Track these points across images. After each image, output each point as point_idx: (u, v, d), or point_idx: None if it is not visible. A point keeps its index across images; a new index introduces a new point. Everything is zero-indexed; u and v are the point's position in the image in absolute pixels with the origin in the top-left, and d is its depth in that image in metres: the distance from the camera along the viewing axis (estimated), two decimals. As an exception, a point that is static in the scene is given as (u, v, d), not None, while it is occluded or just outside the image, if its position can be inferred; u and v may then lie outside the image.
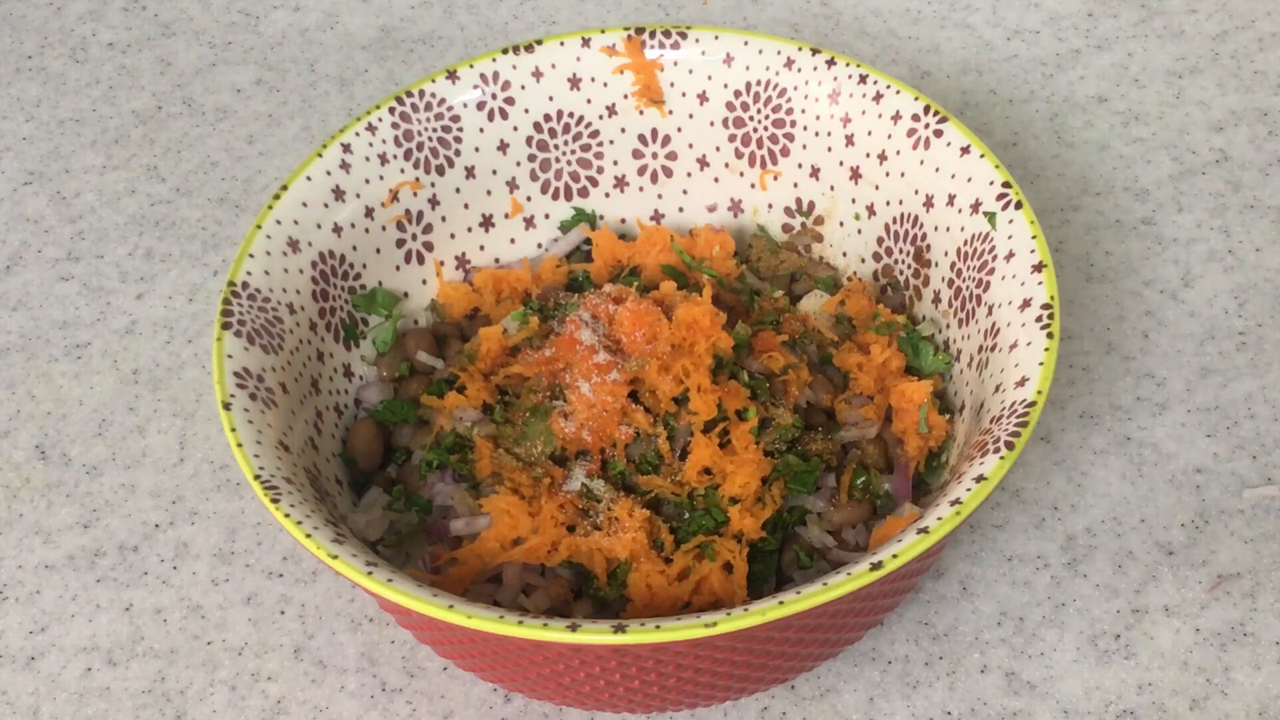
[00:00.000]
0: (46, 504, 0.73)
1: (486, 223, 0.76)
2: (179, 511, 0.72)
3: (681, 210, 0.78)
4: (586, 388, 0.64)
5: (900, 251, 0.72)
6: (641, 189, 0.77)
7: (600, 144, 0.76)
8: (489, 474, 0.65)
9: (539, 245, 0.77)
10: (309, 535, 0.55)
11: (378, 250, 0.72)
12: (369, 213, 0.71)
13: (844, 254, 0.75)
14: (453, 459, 0.66)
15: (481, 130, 0.74)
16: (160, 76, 0.93)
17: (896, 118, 0.70)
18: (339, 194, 0.70)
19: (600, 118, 0.75)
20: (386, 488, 0.67)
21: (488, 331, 0.69)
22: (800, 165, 0.74)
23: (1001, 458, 0.56)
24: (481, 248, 0.76)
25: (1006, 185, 0.66)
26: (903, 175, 0.71)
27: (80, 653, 0.67)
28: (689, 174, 0.77)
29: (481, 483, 0.65)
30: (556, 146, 0.75)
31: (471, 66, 0.73)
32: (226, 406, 0.60)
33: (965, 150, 0.68)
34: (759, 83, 0.73)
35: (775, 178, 0.75)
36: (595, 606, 0.63)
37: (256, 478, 0.57)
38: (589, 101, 0.75)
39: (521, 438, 0.65)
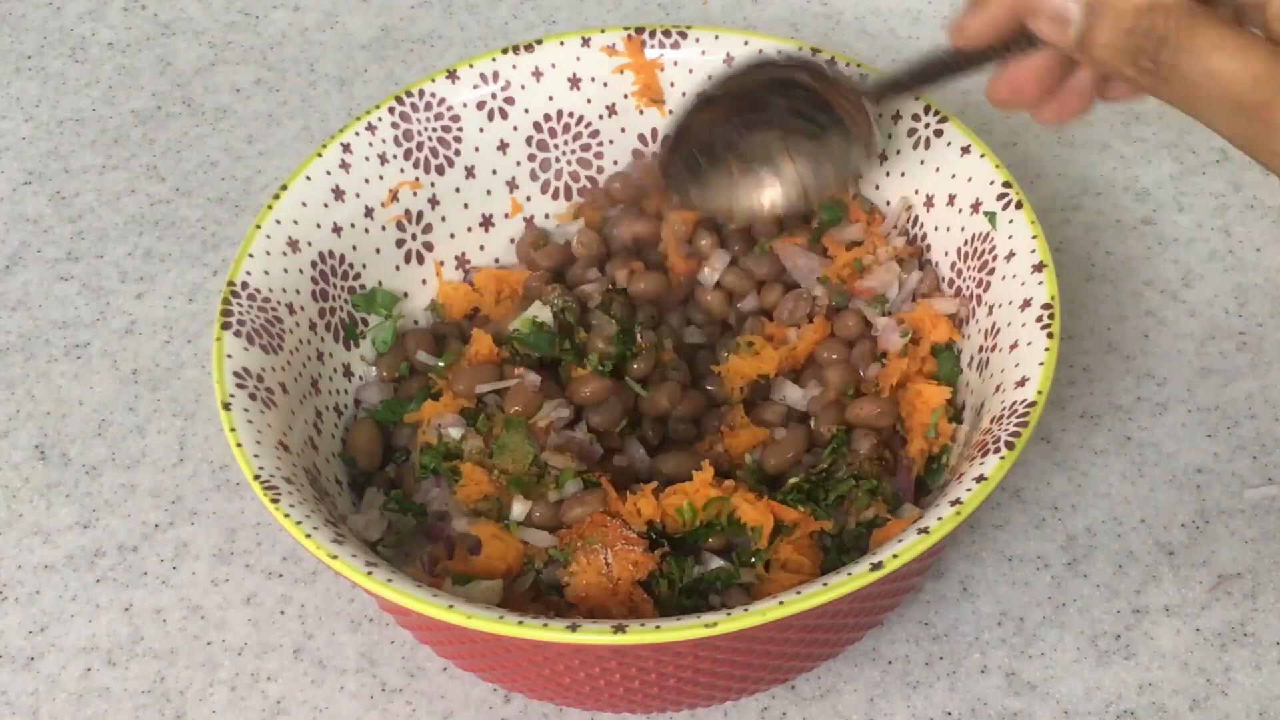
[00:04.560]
0: (46, 504, 0.73)
1: (486, 223, 0.76)
2: (179, 511, 0.72)
3: (681, 210, 0.78)
4: (608, 555, 0.61)
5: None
6: (641, 189, 0.77)
7: (600, 144, 0.76)
8: (478, 499, 0.64)
9: (539, 245, 0.77)
10: (309, 535, 0.55)
11: (378, 250, 0.72)
12: (369, 213, 0.71)
13: (844, 254, 0.75)
14: (445, 465, 0.66)
15: (481, 130, 0.74)
16: (160, 76, 0.93)
17: (896, 117, 0.70)
18: (339, 194, 0.70)
19: (600, 118, 0.75)
20: (386, 488, 0.67)
21: (480, 333, 0.69)
22: (800, 165, 0.74)
23: (1002, 458, 0.56)
24: (481, 248, 0.76)
25: (1007, 185, 0.66)
26: (903, 175, 0.71)
27: (80, 653, 0.67)
28: (689, 174, 0.77)
29: (460, 515, 0.64)
30: (556, 146, 0.75)
31: (471, 66, 0.73)
32: (226, 406, 0.60)
33: (965, 150, 0.68)
34: (759, 82, 0.73)
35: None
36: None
37: (256, 478, 0.57)
38: (589, 101, 0.75)
39: (499, 449, 0.64)
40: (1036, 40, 0.52)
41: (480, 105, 0.73)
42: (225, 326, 0.63)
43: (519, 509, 0.63)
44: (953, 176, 0.68)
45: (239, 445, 0.58)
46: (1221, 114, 0.45)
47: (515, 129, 0.74)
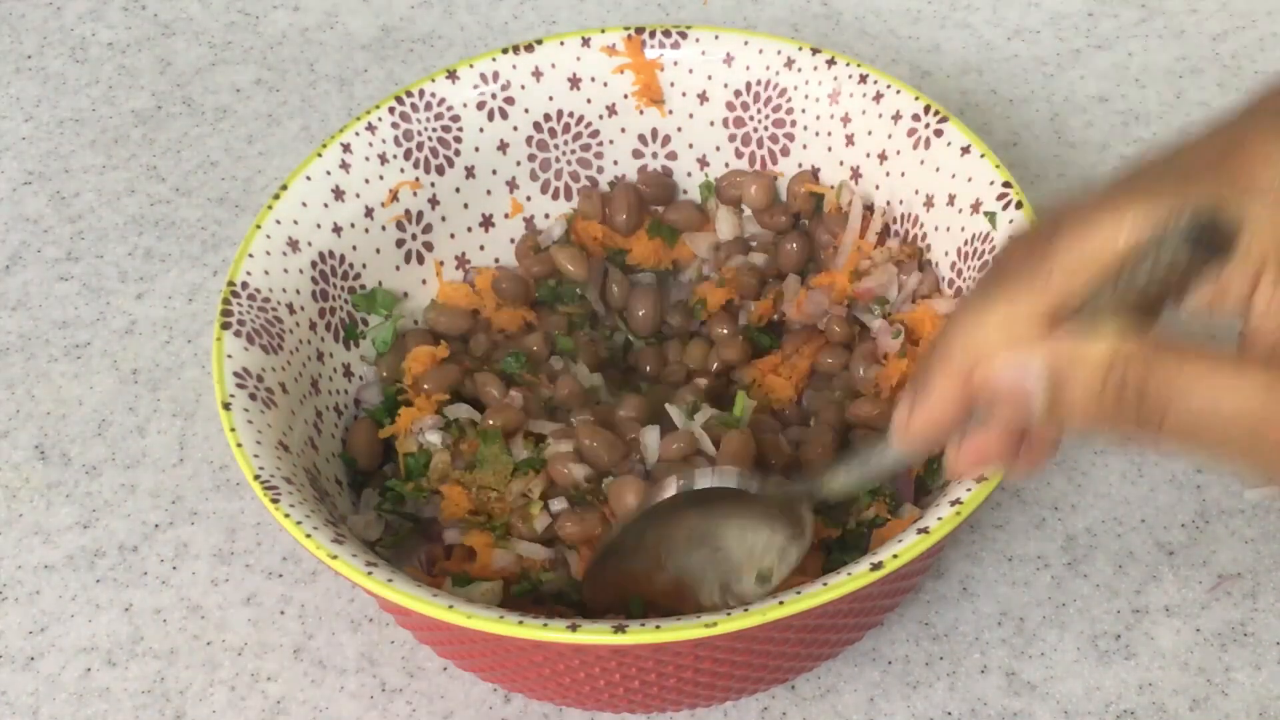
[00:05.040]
0: (46, 504, 0.73)
1: (486, 223, 0.76)
2: (179, 511, 0.72)
3: (681, 210, 0.78)
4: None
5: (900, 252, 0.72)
6: (641, 189, 0.77)
7: (600, 144, 0.76)
8: (463, 514, 0.64)
9: (539, 245, 0.77)
10: (309, 535, 0.55)
11: (378, 250, 0.72)
12: (369, 213, 0.71)
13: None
14: (425, 490, 0.65)
15: (481, 130, 0.74)
16: (160, 76, 0.93)
17: (897, 118, 0.70)
18: (339, 194, 0.70)
19: (600, 118, 0.75)
20: (383, 489, 0.67)
21: (420, 352, 0.69)
22: (800, 165, 0.74)
23: (1002, 458, 0.56)
24: (481, 248, 0.76)
25: (1007, 185, 0.66)
26: (903, 175, 0.71)
27: (80, 653, 0.67)
28: (689, 174, 0.77)
29: (450, 526, 0.64)
30: (556, 146, 0.75)
31: (471, 66, 0.73)
32: (226, 406, 0.60)
33: (965, 150, 0.68)
34: (759, 82, 0.73)
35: (775, 178, 0.75)
36: (593, 607, 0.62)
37: (256, 478, 0.57)
38: (589, 101, 0.75)
39: (479, 463, 0.64)
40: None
41: (480, 105, 0.73)
42: (225, 326, 0.63)
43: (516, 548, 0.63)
44: (953, 176, 0.68)
45: (239, 445, 0.58)
46: (1234, 447, 0.39)
47: (515, 129, 0.74)
